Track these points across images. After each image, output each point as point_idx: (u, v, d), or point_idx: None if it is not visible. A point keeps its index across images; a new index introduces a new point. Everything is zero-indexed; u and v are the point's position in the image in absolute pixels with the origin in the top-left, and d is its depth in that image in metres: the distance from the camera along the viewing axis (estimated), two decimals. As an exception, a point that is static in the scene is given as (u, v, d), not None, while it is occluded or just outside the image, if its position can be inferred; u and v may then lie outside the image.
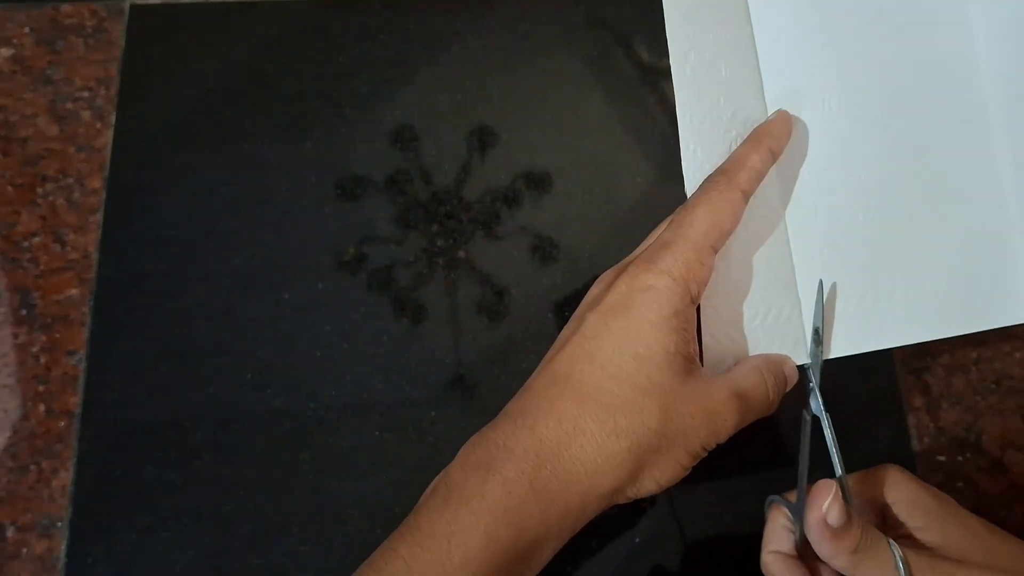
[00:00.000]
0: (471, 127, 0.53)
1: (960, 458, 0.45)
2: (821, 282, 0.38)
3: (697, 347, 0.35)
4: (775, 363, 0.37)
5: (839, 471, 0.36)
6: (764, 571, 0.36)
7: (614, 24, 0.56)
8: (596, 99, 0.54)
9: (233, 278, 0.48)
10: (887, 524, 0.36)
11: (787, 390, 0.37)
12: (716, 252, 0.35)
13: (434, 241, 0.50)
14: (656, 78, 0.55)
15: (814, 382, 0.38)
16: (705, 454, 0.34)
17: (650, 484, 0.33)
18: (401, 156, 0.52)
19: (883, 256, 0.39)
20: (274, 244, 0.49)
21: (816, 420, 0.37)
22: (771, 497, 0.37)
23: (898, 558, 0.32)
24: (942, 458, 0.45)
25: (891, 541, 0.33)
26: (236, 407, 0.45)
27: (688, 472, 0.34)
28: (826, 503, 0.33)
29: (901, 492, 0.36)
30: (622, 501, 0.33)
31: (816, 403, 0.37)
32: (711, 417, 0.33)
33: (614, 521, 0.43)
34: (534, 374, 0.35)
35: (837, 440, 0.36)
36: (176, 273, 0.48)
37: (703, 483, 0.44)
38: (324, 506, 0.44)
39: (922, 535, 0.35)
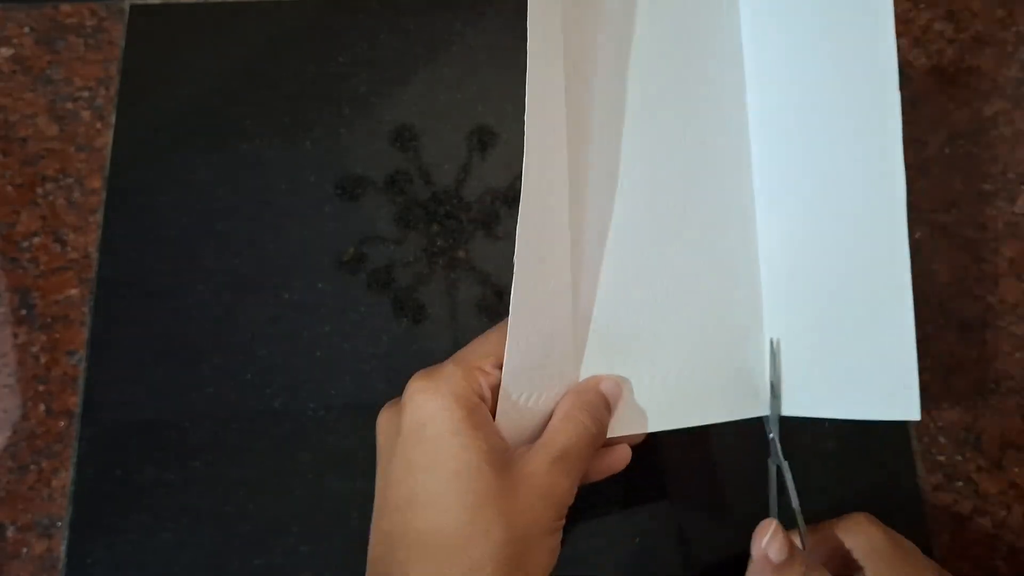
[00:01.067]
0: (471, 127, 0.53)
1: (960, 458, 0.45)
2: (774, 341, 0.38)
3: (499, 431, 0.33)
4: (584, 398, 0.35)
5: (799, 516, 0.37)
6: None
7: (614, 24, 0.56)
8: (596, 99, 0.54)
9: (233, 278, 0.48)
10: (849, 568, 0.38)
11: (614, 405, 0.36)
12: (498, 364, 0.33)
13: (434, 241, 0.50)
14: (656, 78, 0.55)
15: (773, 433, 0.38)
16: (563, 521, 0.33)
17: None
18: (401, 156, 0.52)
19: (643, 342, 0.37)
20: (274, 244, 0.49)
21: (779, 467, 0.38)
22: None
23: None
24: (941, 458, 0.45)
25: None
26: (236, 407, 0.45)
27: (560, 547, 0.33)
28: (765, 539, 0.34)
29: (862, 538, 0.37)
30: None
31: (775, 454, 0.38)
32: (548, 494, 0.32)
33: (615, 522, 0.44)
34: (372, 541, 0.33)
35: (795, 486, 0.37)
36: (176, 273, 0.48)
37: (701, 485, 0.44)
38: (324, 506, 0.44)
39: None
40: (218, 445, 0.45)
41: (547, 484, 0.32)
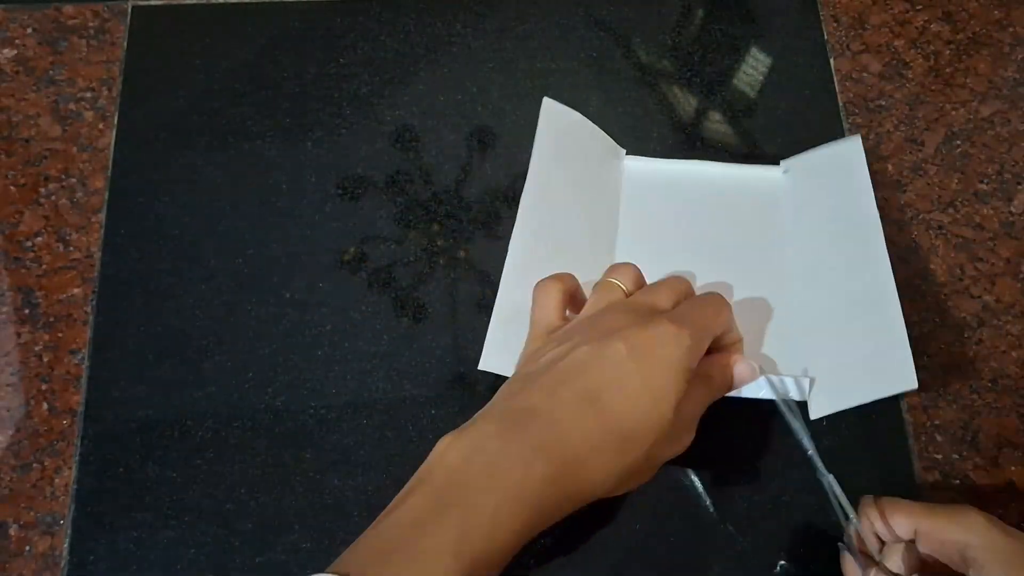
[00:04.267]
0: (471, 127, 0.53)
1: (956, 456, 0.45)
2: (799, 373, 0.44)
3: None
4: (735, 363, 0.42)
5: (854, 521, 0.39)
6: None
7: (614, 24, 0.56)
8: (595, 100, 0.54)
9: (234, 277, 0.49)
10: (969, 567, 0.37)
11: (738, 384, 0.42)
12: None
13: (434, 241, 0.50)
14: (656, 78, 0.55)
15: (811, 450, 0.40)
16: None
17: (617, 492, 0.37)
18: (401, 156, 0.52)
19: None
20: (275, 243, 0.49)
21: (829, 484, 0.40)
22: (839, 544, 0.40)
23: None
24: (939, 456, 0.45)
25: None
26: (238, 405, 0.46)
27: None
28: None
29: (980, 537, 0.36)
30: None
31: (820, 469, 0.40)
32: (678, 444, 0.38)
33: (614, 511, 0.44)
34: (555, 378, 0.36)
35: (840, 489, 0.40)
36: (178, 272, 0.49)
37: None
38: (325, 504, 0.44)
39: None
40: (220, 443, 0.45)
41: (680, 441, 0.38)
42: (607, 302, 0.40)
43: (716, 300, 0.41)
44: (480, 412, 0.36)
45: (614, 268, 0.42)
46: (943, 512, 0.38)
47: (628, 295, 0.40)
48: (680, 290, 0.41)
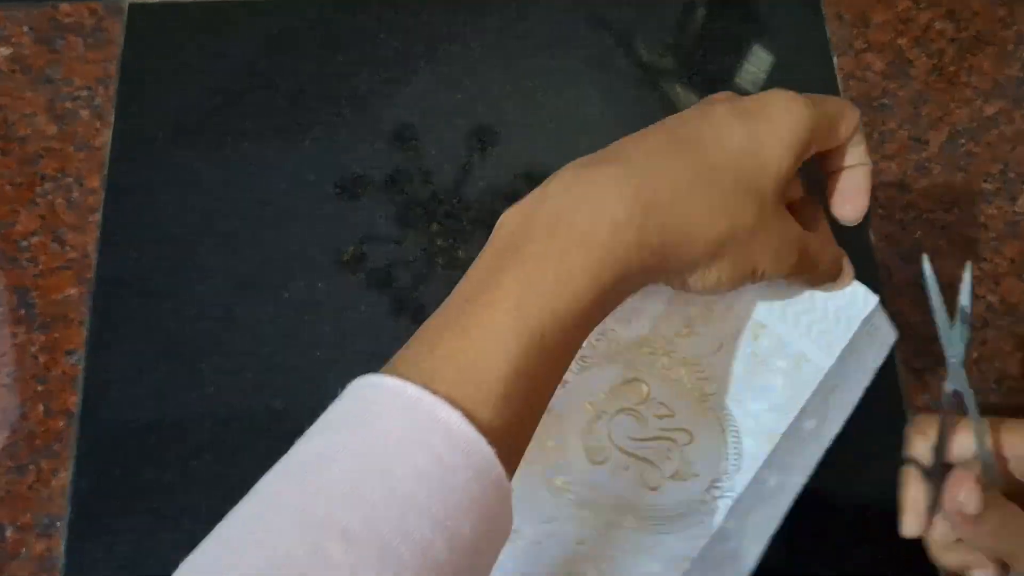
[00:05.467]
0: (471, 127, 0.53)
1: (961, 458, 0.45)
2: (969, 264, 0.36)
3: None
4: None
5: (983, 445, 0.35)
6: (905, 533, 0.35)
7: (614, 24, 0.56)
8: (596, 99, 0.54)
9: (232, 278, 0.48)
10: None
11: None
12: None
13: (434, 240, 0.49)
14: (656, 78, 0.54)
15: (957, 358, 0.35)
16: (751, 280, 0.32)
17: (712, 278, 0.30)
18: (401, 156, 0.52)
19: None
20: (273, 243, 0.49)
21: (958, 395, 0.35)
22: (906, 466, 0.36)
23: None
24: (943, 458, 0.45)
25: None
26: (236, 407, 0.45)
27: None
28: (962, 495, 0.32)
29: None
30: (678, 286, 0.31)
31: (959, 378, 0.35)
32: (779, 254, 0.31)
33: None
34: (643, 131, 0.31)
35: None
36: (175, 272, 0.48)
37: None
38: (324, 506, 0.43)
39: None
40: (218, 445, 0.45)
41: (783, 250, 0.32)
42: None
43: (843, 101, 0.34)
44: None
45: None
46: (1016, 426, 0.35)
47: None
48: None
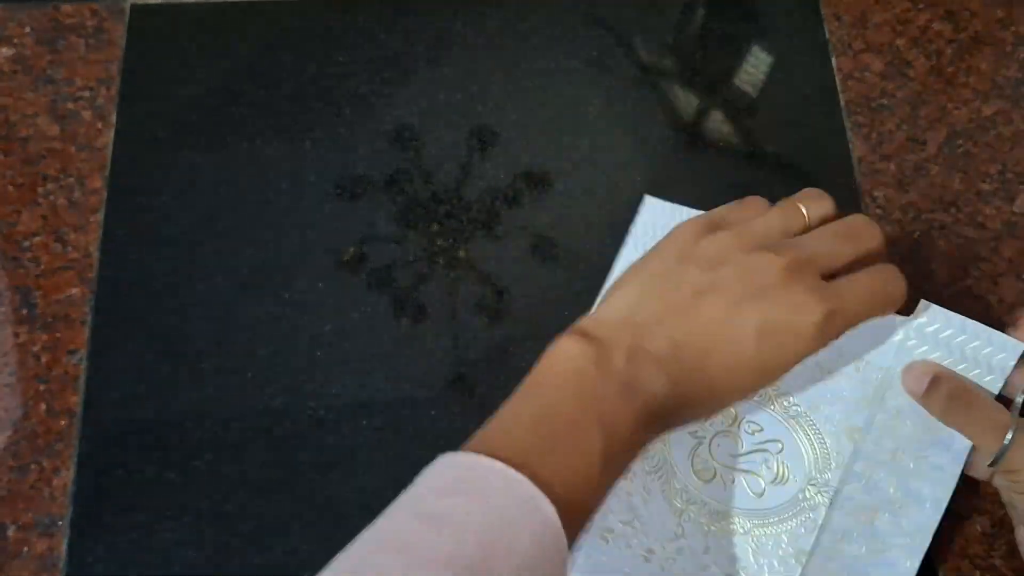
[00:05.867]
0: (471, 127, 0.53)
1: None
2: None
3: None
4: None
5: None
6: None
7: (614, 24, 0.56)
8: (596, 99, 0.54)
9: (233, 277, 0.48)
10: None
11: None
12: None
13: (434, 241, 0.50)
14: (656, 78, 0.55)
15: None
16: None
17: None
18: (401, 156, 0.52)
19: None
20: (274, 243, 0.49)
21: None
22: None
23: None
24: (941, 457, 0.45)
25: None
26: (236, 406, 0.46)
27: None
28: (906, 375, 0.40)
29: None
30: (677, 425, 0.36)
31: None
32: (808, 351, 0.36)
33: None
34: (684, 331, 0.35)
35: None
36: (176, 272, 0.48)
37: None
38: (324, 505, 0.44)
39: None
40: (218, 444, 0.45)
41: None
42: (781, 229, 0.37)
43: (889, 276, 0.37)
44: (606, 312, 0.36)
45: (807, 194, 0.38)
46: None
47: (806, 229, 0.37)
48: (863, 241, 0.37)
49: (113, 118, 0.52)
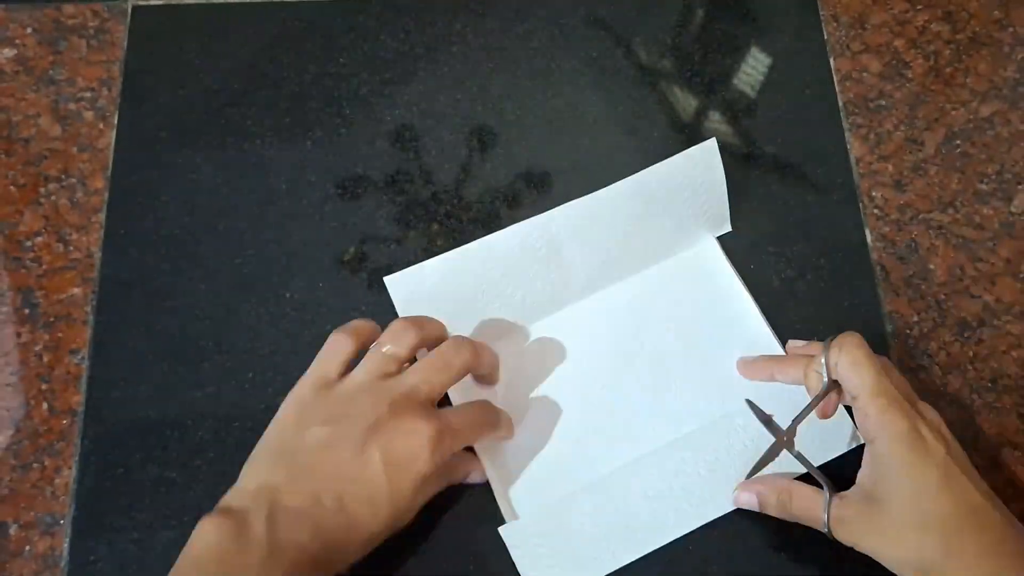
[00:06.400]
0: (471, 127, 0.53)
1: (957, 456, 0.45)
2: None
3: None
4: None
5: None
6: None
7: (614, 24, 0.56)
8: (596, 99, 0.54)
9: (234, 277, 0.49)
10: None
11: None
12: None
13: (434, 240, 0.50)
14: (656, 78, 0.55)
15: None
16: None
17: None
18: (401, 156, 0.52)
19: None
20: (275, 243, 0.49)
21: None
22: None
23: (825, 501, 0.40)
24: (939, 456, 0.45)
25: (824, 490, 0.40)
26: (238, 406, 0.46)
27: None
28: (733, 501, 0.43)
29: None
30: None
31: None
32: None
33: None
34: (318, 481, 0.39)
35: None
36: (178, 272, 0.49)
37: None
38: (325, 504, 0.44)
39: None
40: (220, 444, 0.45)
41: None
42: (378, 374, 0.41)
43: (484, 410, 0.43)
44: (243, 483, 0.39)
45: (393, 331, 0.42)
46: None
47: (401, 365, 0.42)
48: (454, 366, 0.42)
49: (115, 118, 0.52)
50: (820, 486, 0.40)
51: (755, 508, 0.42)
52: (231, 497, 0.38)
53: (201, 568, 0.36)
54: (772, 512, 0.42)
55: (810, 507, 0.40)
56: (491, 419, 0.43)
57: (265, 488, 0.38)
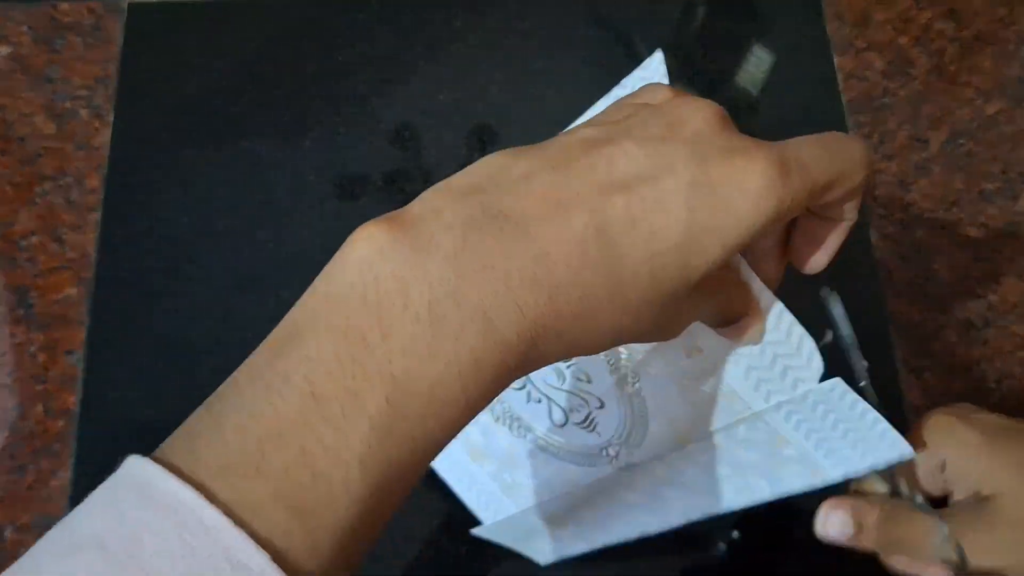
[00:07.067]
0: (471, 126, 0.53)
1: (961, 458, 0.45)
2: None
3: None
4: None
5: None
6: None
7: (615, 22, 0.56)
8: (597, 98, 0.54)
9: (232, 277, 0.48)
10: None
11: None
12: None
13: (434, 240, 0.49)
14: (656, 77, 0.54)
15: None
16: None
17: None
18: (401, 155, 0.52)
19: None
20: (273, 243, 0.49)
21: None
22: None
23: (943, 534, 0.32)
24: (943, 458, 0.45)
25: (939, 518, 0.32)
26: (235, 407, 0.45)
27: None
28: (821, 525, 0.34)
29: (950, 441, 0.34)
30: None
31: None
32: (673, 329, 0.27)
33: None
34: (565, 187, 0.23)
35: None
36: (174, 272, 0.48)
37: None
38: (323, 506, 0.43)
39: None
40: (217, 445, 0.45)
41: None
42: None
43: (840, 142, 0.25)
44: (446, 190, 0.24)
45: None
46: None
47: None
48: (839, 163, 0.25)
49: (111, 117, 0.52)
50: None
51: (839, 541, 0.34)
52: (416, 204, 0.23)
53: (357, 306, 0.21)
54: (869, 548, 0.34)
55: (926, 540, 0.32)
56: (855, 153, 0.25)
57: (477, 189, 0.24)
